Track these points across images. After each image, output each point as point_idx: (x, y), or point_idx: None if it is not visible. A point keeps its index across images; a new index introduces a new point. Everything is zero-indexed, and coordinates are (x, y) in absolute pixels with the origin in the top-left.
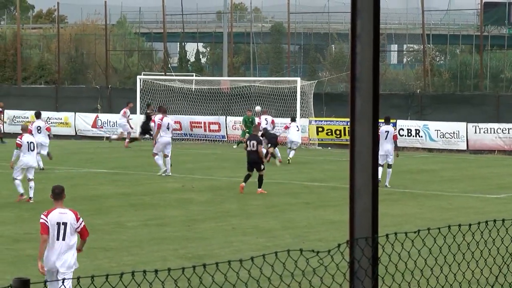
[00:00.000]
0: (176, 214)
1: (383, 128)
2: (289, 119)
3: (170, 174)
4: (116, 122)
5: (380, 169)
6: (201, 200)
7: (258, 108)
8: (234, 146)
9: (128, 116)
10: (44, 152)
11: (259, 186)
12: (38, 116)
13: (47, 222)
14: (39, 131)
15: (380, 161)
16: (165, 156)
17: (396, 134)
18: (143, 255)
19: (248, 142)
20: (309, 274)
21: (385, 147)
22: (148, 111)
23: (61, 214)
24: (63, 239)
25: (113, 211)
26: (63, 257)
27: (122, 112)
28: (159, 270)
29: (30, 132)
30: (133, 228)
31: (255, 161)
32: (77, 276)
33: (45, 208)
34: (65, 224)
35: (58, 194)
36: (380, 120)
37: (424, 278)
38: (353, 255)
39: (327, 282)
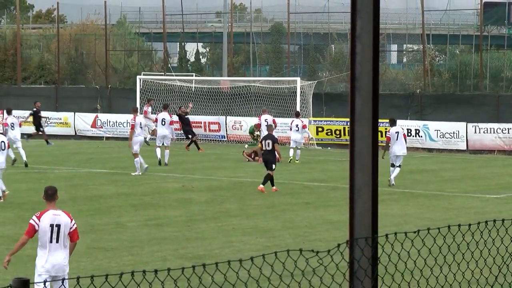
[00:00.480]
0: (176, 214)
1: (392, 129)
2: (290, 118)
3: (140, 173)
4: (116, 122)
5: (397, 169)
6: (201, 200)
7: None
8: (246, 146)
9: (150, 114)
10: (19, 146)
11: (263, 183)
12: (9, 112)
13: (36, 225)
14: (12, 128)
15: (397, 162)
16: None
17: (405, 133)
18: (143, 255)
19: (263, 142)
20: (308, 274)
21: (401, 148)
22: (180, 112)
23: (55, 216)
24: (57, 241)
25: (113, 211)
26: (57, 259)
27: (143, 112)
28: (158, 270)
29: (6, 126)
30: (133, 228)
31: (268, 160)
32: (77, 276)
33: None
34: (58, 226)
35: (51, 196)
36: (381, 120)
37: (424, 278)
38: (352, 255)
39: (327, 282)
